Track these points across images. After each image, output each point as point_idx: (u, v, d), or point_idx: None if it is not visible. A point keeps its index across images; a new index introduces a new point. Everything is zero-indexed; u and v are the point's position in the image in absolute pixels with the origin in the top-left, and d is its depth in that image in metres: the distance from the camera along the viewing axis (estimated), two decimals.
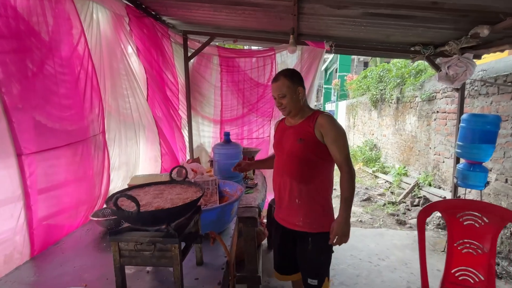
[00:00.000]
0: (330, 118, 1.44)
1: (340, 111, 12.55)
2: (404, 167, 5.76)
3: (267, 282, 2.36)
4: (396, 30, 2.36)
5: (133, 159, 1.95)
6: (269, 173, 3.36)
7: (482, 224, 1.44)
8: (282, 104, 1.47)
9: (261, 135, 3.50)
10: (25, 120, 1.10)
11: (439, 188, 4.41)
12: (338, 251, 2.63)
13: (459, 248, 1.47)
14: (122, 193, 0.92)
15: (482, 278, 1.41)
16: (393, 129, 6.45)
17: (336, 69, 17.56)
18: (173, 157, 2.37)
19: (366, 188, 5.76)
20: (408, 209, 4.42)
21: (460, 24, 2.09)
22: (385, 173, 6.46)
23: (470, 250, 1.44)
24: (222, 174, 2.15)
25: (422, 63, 5.16)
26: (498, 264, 2.70)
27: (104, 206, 1.60)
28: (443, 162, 4.37)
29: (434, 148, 4.65)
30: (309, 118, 1.48)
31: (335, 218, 1.46)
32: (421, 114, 5.15)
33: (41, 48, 1.21)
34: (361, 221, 4.11)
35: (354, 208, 4.69)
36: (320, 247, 1.48)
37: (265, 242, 2.97)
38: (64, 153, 1.28)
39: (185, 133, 3.02)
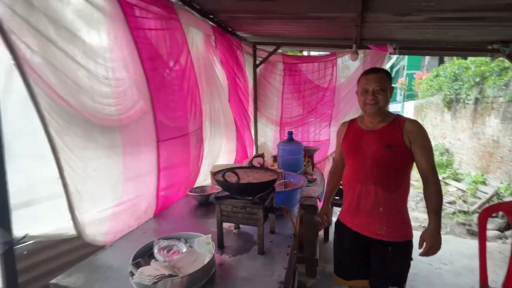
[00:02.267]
0: (419, 124, 1.40)
1: (406, 112, 11.62)
2: (482, 174, 5.18)
3: (324, 267, 2.59)
4: (467, 30, 2.31)
5: (216, 151, 2.43)
6: (325, 172, 3.56)
7: None
8: (376, 98, 1.38)
9: (319, 137, 3.68)
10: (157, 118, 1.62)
11: None
12: None
13: None
14: (227, 170, 1.31)
15: None
16: (470, 132, 5.83)
17: (404, 66, 16.13)
18: (244, 152, 2.80)
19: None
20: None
21: None
22: (458, 180, 5.87)
23: None
24: (285, 168, 2.47)
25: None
26: None
27: (196, 184, 2.10)
28: None
29: None
30: (393, 122, 1.42)
31: (411, 224, 1.45)
32: (505, 117, 4.59)
33: (164, 67, 1.72)
34: (425, 227, 3.93)
35: (417, 214, 4.48)
36: (402, 256, 1.43)
37: (321, 233, 3.18)
38: (177, 143, 1.79)
39: (252, 131, 3.45)
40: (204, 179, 2.29)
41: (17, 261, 1.01)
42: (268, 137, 3.83)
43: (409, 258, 1.44)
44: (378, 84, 1.39)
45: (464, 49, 2.82)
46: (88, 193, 1.22)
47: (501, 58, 2.58)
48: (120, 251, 1.27)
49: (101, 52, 1.29)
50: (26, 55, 0.98)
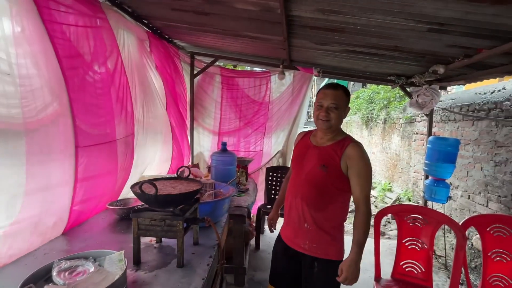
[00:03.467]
0: (360, 150, 1.34)
1: None
2: (389, 183, 6.13)
3: (252, 275, 2.66)
4: (372, 63, 2.78)
5: (148, 159, 2.30)
6: (260, 180, 3.72)
7: (424, 224, 1.79)
8: (329, 115, 1.36)
9: (255, 148, 3.86)
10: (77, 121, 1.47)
11: (417, 203, 4.76)
12: None
13: (406, 244, 1.81)
14: (144, 182, 1.27)
15: (423, 269, 1.74)
16: (381, 147, 6.87)
17: None
18: (181, 161, 2.73)
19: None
20: (389, 222, 4.75)
21: (422, 62, 2.52)
22: (372, 188, 6.82)
23: (414, 246, 1.79)
24: (218, 179, 2.49)
25: None
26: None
27: (119, 198, 1.94)
28: (421, 179, 4.75)
29: (414, 166, 5.04)
30: (338, 143, 1.39)
31: (342, 246, 1.44)
32: (403, 135, 5.58)
33: (86, 67, 1.59)
34: None
35: None
36: (327, 273, 1.41)
37: (253, 242, 3.27)
38: (101, 150, 1.64)
39: (188, 140, 3.39)
40: (129, 191, 2.14)
41: None
42: (205, 147, 3.82)
43: (334, 279, 1.36)
44: (333, 101, 1.35)
45: (371, 78, 3.38)
46: None
47: (397, 88, 3.18)
48: (10, 278, 1.09)
49: (3, 45, 1.12)
50: None
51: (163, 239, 1.47)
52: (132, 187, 1.24)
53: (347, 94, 1.41)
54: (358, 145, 1.37)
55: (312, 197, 1.40)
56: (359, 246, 1.29)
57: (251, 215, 3.06)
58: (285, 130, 3.77)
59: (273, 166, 3.73)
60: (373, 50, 2.32)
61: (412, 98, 3.12)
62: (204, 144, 3.80)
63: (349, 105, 1.44)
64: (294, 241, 1.49)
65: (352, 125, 9.79)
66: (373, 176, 7.54)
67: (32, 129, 1.24)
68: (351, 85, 17.07)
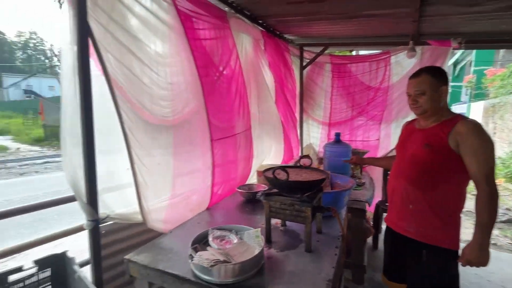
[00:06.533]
0: (474, 126, 1.24)
1: (473, 114, 10.26)
2: None
3: (372, 275, 2.46)
4: None
5: (265, 151, 2.51)
6: (376, 175, 3.38)
7: None
8: (417, 102, 1.36)
9: (369, 138, 3.53)
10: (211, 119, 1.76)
11: None
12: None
13: None
14: (276, 168, 1.37)
15: None
16: None
17: (471, 62, 14.24)
18: (290, 153, 2.83)
19: (508, 209, 4.66)
20: None
21: None
22: None
23: None
24: (331, 170, 2.42)
25: None
26: None
27: (246, 182, 2.20)
28: None
29: None
30: (445, 122, 1.32)
31: (459, 237, 1.33)
32: None
33: (215, 72, 1.85)
34: (495, 244, 3.44)
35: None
36: (439, 266, 1.32)
37: (370, 240, 3.02)
38: (227, 142, 1.91)
39: (298, 133, 3.46)
40: (251, 177, 2.38)
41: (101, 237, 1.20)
42: (315, 139, 3.79)
43: (450, 271, 1.32)
44: (416, 88, 1.38)
45: None
46: (152, 184, 1.39)
47: None
48: (178, 237, 1.41)
49: (162, 59, 1.45)
50: (109, 62, 1.16)
51: (287, 223, 1.55)
52: (265, 172, 1.36)
53: (434, 75, 1.36)
54: (471, 122, 1.28)
55: (415, 176, 1.37)
56: (481, 228, 1.21)
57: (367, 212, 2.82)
58: (408, 117, 3.25)
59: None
60: None
61: None
62: (314, 135, 3.78)
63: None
64: (398, 224, 1.48)
65: (503, 109, 7.43)
66: None
67: (177, 124, 1.55)
68: (500, 56, 12.92)
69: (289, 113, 2.99)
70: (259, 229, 1.24)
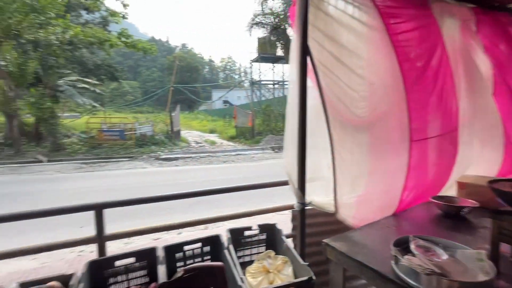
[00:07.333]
0: None
1: None
2: None
3: None
4: None
5: (470, 158, 2.03)
6: None
7: None
8: None
9: None
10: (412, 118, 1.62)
11: None
12: None
13: None
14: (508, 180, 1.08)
15: None
16: None
17: None
18: None
19: None
20: None
21: None
22: None
23: None
24: None
25: None
26: None
27: (439, 194, 1.87)
28: None
29: None
30: None
31: None
32: None
33: (417, 66, 1.67)
34: None
35: None
36: None
37: None
38: (427, 144, 1.69)
39: None
40: (447, 189, 1.98)
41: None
42: None
43: None
44: None
45: None
46: (348, 180, 1.48)
47: None
48: (369, 236, 1.42)
49: (365, 62, 1.49)
50: (322, 73, 1.35)
51: None
52: (493, 183, 1.10)
53: None
54: None
55: None
56: None
57: None
58: None
59: None
60: None
61: None
62: None
63: None
64: None
65: None
66: None
67: (374, 122, 1.52)
68: None
69: None
70: (484, 251, 1.02)
